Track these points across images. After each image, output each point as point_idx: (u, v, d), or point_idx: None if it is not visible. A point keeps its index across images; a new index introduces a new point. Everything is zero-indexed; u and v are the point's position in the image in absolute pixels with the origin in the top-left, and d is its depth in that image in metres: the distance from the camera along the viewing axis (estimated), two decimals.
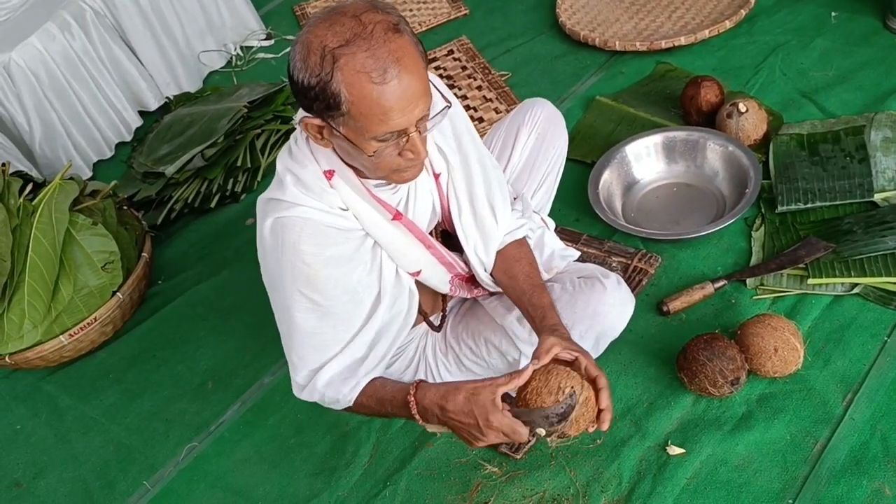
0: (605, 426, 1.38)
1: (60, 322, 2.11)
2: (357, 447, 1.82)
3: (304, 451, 1.86)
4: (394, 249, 1.46)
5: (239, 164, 2.67)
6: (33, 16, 2.95)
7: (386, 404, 1.45)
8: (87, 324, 2.15)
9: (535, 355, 1.39)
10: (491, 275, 1.62)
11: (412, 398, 1.40)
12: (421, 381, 1.43)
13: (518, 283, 1.58)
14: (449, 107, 1.31)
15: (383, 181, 1.39)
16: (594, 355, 1.67)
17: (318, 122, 1.24)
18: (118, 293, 2.20)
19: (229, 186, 2.64)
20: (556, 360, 1.39)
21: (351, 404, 1.48)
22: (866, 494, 1.48)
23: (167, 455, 1.96)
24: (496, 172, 1.59)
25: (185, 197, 2.63)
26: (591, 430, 1.39)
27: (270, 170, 2.72)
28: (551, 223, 1.92)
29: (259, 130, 2.73)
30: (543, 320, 1.48)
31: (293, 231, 1.33)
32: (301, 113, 1.30)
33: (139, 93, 3.16)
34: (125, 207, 2.41)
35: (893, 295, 1.78)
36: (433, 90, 1.27)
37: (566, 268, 1.76)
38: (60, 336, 2.11)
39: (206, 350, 2.20)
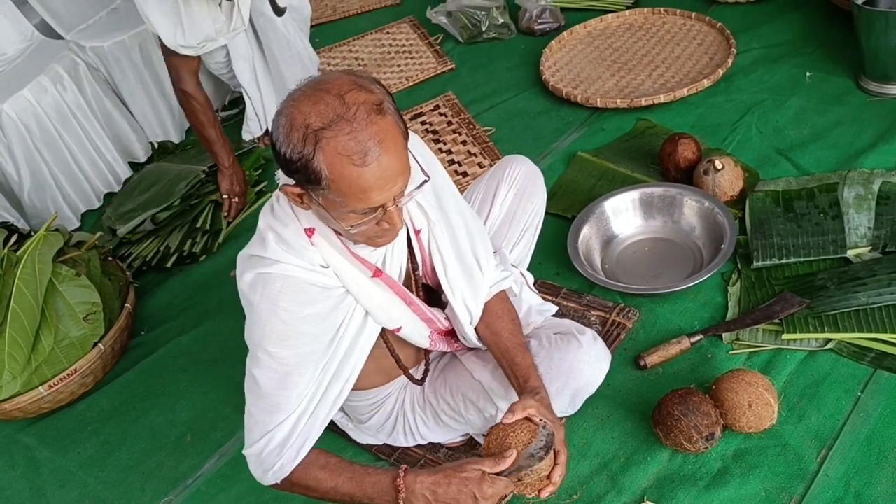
0: (544, 494, 1.38)
1: (40, 373, 2.11)
2: None
3: None
4: (374, 306, 1.47)
5: (199, 225, 2.69)
6: (27, 69, 3.01)
7: (366, 486, 1.40)
8: (67, 375, 2.14)
9: (511, 409, 1.40)
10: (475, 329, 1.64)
11: (401, 482, 1.38)
12: (407, 467, 1.41)
13: (502, 339, 1.59)
14: (427, 181, 1.34)
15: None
16: (571, 412, 1.69)
17: (297, 190, 1.27)
18: (99, 344, 2.20)
19: (186, 247, 2.65)
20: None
21: (291, 473, 1.41)
22: None
23: None
24: (477, 224, 1.62)
25: (144, 255, 2.66)
26: (533, 494, 1.39)
27: (233, 233, 2.76)
28: (530, 277, 1.95)
29: (218, 198, 2.76)
30: (527, 382, 1.50)
31: (273, 287, 1.35)
32: (283, 177, 1.32)
33: (129, 144, 3.20)
34: (110, 258, 2.43)
35: (867, 351, 1.80)
36: (413, 163, 1.30)
37: (543, 323, 1.78)
38: (40, 387, 2.11)
39: (186, 402, 2.19)
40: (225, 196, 2.76)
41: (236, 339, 2.30)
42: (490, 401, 1.65)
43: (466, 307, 1.59)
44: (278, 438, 1.40)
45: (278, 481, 1.44)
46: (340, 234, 1.38)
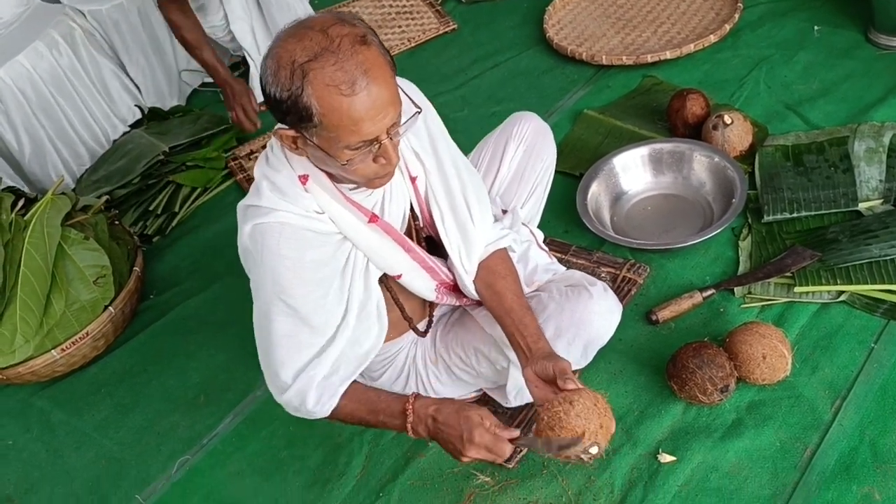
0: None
1: (52, 337, 2.11)
2: (349, 458, 1.83)
3: (296, 464, 1.86)
4: (372, 252, 1.48)
5: (151, 208, 2.66)
6: (22, 35, 2.96)
7: (379, 413, 1.46)
8: (79, 338, 2.14)
9: (544, 379, 1.41)
10: (475, 287, 1.64)
11: (410, 406, 1.42)
12: (417, 394, 1.45)
13: (506, 300, 1.57)
14: (419, 112, 1.34)
15: (358, 185, 1.42)
16: (583, 364, 1.70)
17: (291, 132, 1.27)
18: (110, 307, 2.20)
19: (138, 229, 2.62)
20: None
21: (329, 412, 1.48)
22: (856, 499, 1.50)
23: (159, 469, 1.96)
24: (472, 176, 1.62)
25: None
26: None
27: (189, 217, 2.72)
28: (539, 235, 1.94)
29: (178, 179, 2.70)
30: (537, 343, 1.49)
31: (272, 236, 1.36)
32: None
33: (125, 108, 3.17)
34: (117, 223, 2.41)
35: (879, 302, 1.81)
36: (403, 97, 1.30)
37: (553, 277, 1.78)
38: (52, 351, 2.11)
39: (197, 364, 2.20)
40: (232, 115, 2.69)
41: (246, 302, 2.29)
42: (502, 353, 1.65)
43: (461, 260, 1.60)
44: (314, 375, 1.43)
45: (315, 416, 1.49)
46: (335, 180, 1.39)
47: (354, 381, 1.50)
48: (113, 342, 2.30)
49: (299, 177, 1.37)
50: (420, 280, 1.58)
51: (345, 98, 1.19)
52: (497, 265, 1.64)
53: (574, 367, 1.64)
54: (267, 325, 1.43)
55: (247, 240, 1.39)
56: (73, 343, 2.14)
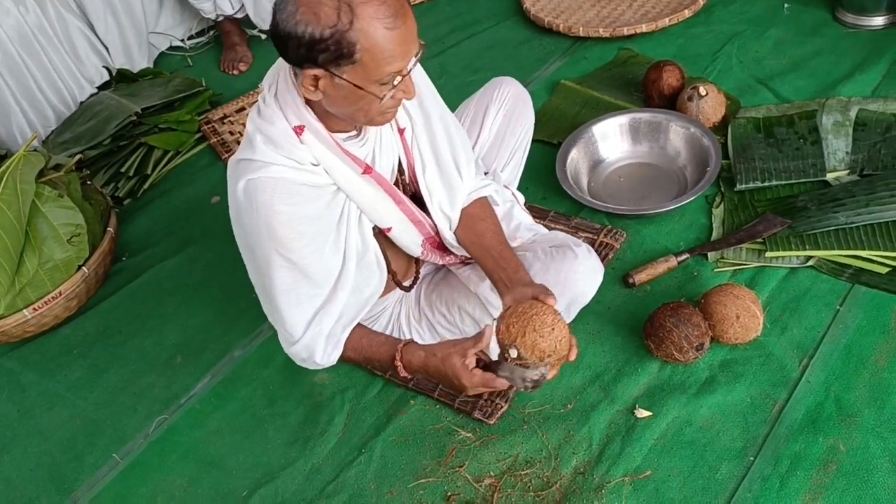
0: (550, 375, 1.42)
1: (24, 296, 2.07)
2: (331, 416, 1.84)
3: (277, 421, 1.87)
4: (365, 204, 1.49)
5: (123, 170, 2.62)
6: None
7: (374, 362, 1.52)
8: (52, 298, 2.11)
9: (516, 299, 1.45)
10: (455, 235, 1.66)
11: (399, 363, 1.48)
12: (406, 343, 1.48)
13: (485, 239, 1.63)
14: (424, 45, 1.36)
15: (352, 134, 1.43)
16: (567, 321, 1.73)
17: (316, 72, 1.27)
18: (84, 267, 2.17)
19: (109, 190, 2.58)
20: None
21: (334, 362, 1.52)
22: (822, 451, 1.56)
23: (136, 428, 1.94)
24: (459, 132, 1.64)
25: None
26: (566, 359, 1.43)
27: (161, 180, 2.69)
28: (521, 197, 1.97)
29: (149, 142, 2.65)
30: (517, 273, 1.54)
31: (266, 192, 1.36)
32: (273, 74, 1.37)
33: (92, 68, 3.10)
34: (89, 182, 2.37)
35: (844, 267, 1.88)
36: None
37: (537, 238, 1.81)
38: (24, 310, 2.07)
39: (173, 325, 2.18)
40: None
41: (222, 264, 2.32)
42: (486, 312, 1.69)
43: (442, 211, 1.62)
44: (323, 326, 1.47)
45: (322, 366, 1.53)
46: (331, 129, 1.40)
47: (354, 332, 1.54)
48: (85, 303, 2.27)
49: (294, 128, 1.37)
50: (408, 234, 1.60)
51: (388, 31, 1.22)
52: (477, 210, 1.68)
53: None
54: (267, 281, 1.44)
55: (240, 195, 1.38)
56: (45, 303, 2.11)
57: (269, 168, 1.36)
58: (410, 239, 1.62)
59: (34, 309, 2.10)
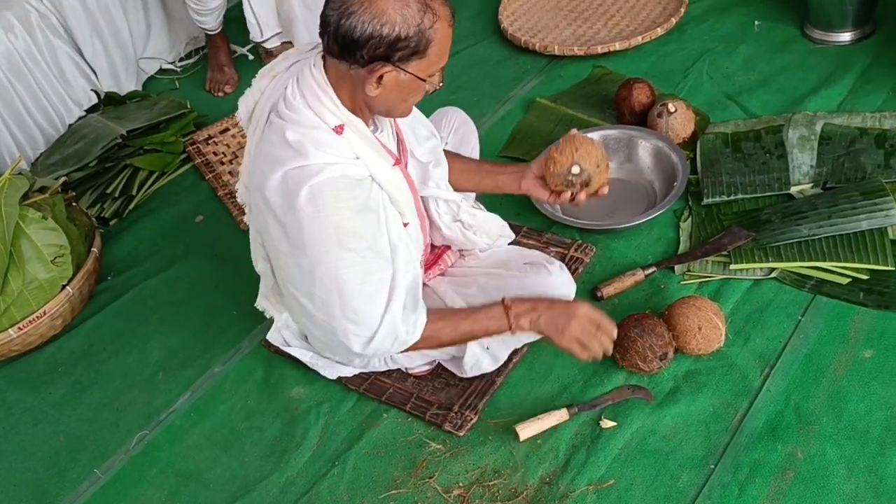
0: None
1: (9, 315, 2.12)
2: (306, 430, 1.88)
3: (254, 435, 1.91)
4: (395, 194, 1.59)
5: (109, 191, 2.67)
6: None
7: (482, 319, 1.62)
8: (37, 317, 2.16)
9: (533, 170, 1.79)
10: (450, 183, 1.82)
11: (504, 306, 1.62)
12: (507, 298, 1.63)
13: (472, 163, 1.92)
14: None
15: (373, 129, 1.57)
16: (537, 336, 1.78)
17: (386, 69, 1.40)
18: (68, 287, 2.22)
19: (95, 211, 2.63)
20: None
21: (420, 334, 1.59)
22: (781, 458, 1.61)
23: (118, 443, 1.99)
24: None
25: None
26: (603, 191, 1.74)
27: (147, 200, 2.74)
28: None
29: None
30: (513, 166, 1.87)
31: (330, 192, 1.46)
32: (274, 91, 1.52)
33: (80, 92, 3.17)
34: (74, 204, 2.43)
35: (807, 278, 1.93)
36: None
37: (513, 255, 1.87)
38: (9, 329, 2.12)
39: (156, 342, 2.23)
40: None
41: (204, 282, 2.38)
42: None
43: (438, 187, 1.75)
44: (395, 309, 1.54)
45: (410, 343, 1.60)
46: (369, 125, 1.55)
47: (440, 309, 1.67)
48: (70, 322, 2.32)
49: (334, 129, 1.48)
50: (417, 235, 1.68)
51: (449, 29, 1.43)
52: (453, 157, 1.87)
53: (531, 339, 1.79)
54: (337, 285, 1.50)
55: (303, 203, 1.45)
56: (30, 322, 2.16)
57: (327, 169, 1.46)
58: (418, 240, 1.70)
59: (19, 328, 2.15)
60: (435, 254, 1.89)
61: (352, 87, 1.47)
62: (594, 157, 1.68)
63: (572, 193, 1.72)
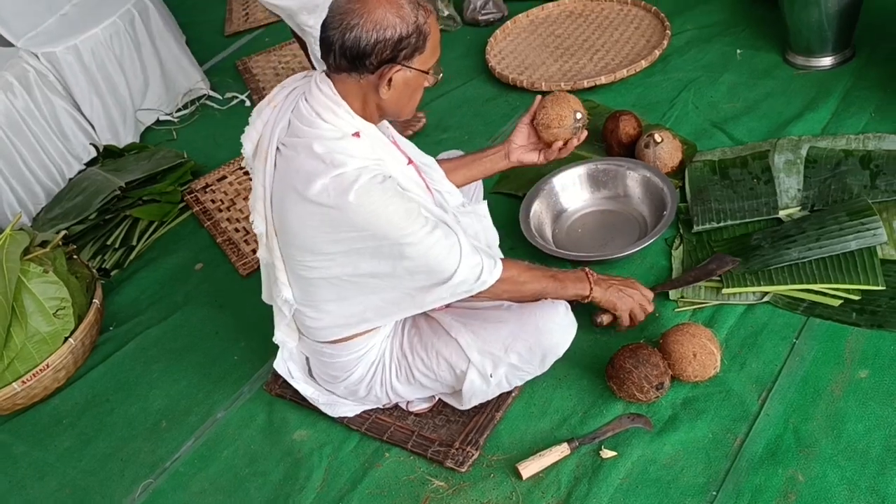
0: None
1: (13, 369, 2.15)
2: (310, 472, 1.89)
3: (258, 480, 1.92)
4: (415, 189, 1.66)
5: (109, 242, 2.72)
6: None
7: (564, 279, 1.80)
8: (40, 370, 2.19)
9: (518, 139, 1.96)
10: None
11: (586, 272, 1.83)
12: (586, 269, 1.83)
13: (460, 159, 2.02)
14: None
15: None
16: (540, 371, 1.83)
17: (394, 69, 1.51)
18: (70, 339, 2.25)
19: (96, 263, 2.67)
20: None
21: (501, 271, 1.68)
22: (782, 482, 1.61)
23: (123, 493, 2.00)
24: None
25: None
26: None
27: (147, 250, 2.78)
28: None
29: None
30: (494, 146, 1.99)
31: (376, 186, 1.53)
32: (279, 114, 1.62)
33: (80, 146, 3.23)
34: (75, 257, 2.47)
35: (799, 301, 1.95)
36: None
37: None
38: (13, 383, 2.15)
39: (159, 391, 2.25)
40: None
41: (205, 329, 2.40)
42: (463, 356, 1.75)
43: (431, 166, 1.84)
44: (468, 249, 1.63)
45: (496, 278, 1.67)
46: (382, 127, 1.67)
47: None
48: (73, 374, 2.34)
49: (352, 135, 1.57)
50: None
51: (437, 23, 1.56)
52: (439, 163, 1.92)
53: (531, 376, 1.82)
54: (411, 249, 1.57)
55: (354, 205, 1.51)
56: (33, 375, 2.18)
57: (364, 171, 1.53)
58: None
59: (23, 382, 2.17)
60: None
61: (362, 96, 1.57)
62: (580, 104, 1.90)
63: (565, 142, 1.89)
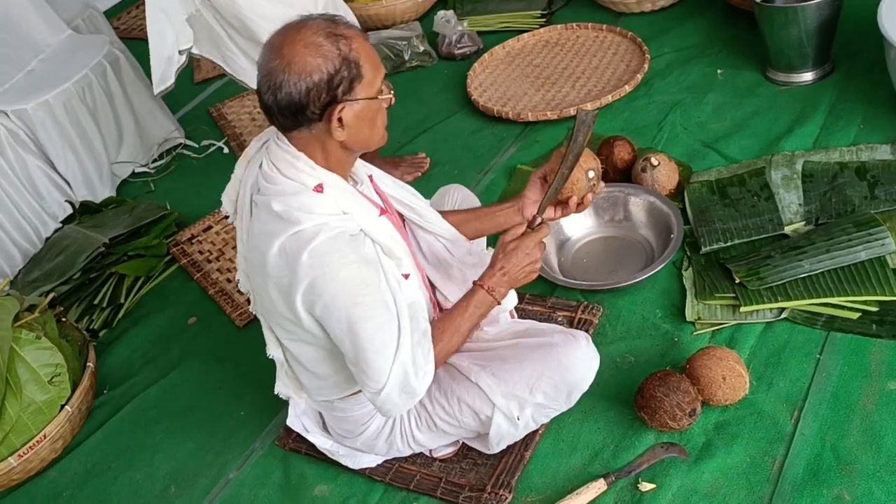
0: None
1: (8, 443, 2.03)
2: None
3: None
4: (387, 245, 1.57)
5: (96, 302, 2.62)
6: None
7: (470, 318, 1.63)
8: (37, 441, 2.07)
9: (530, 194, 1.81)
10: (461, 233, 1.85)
11: (485, 286, 1.63)
12: (479, 283, 1.64)
13: (468, 213, 1.92)
14: None
15: (353, 184, 1.58)
16: (566, 407, 1.78)
17: (338, 108, 1.42)
18: (67, 406, 2.14)
19: (84, 324, 2.57)
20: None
21: (436, 366, 1.57)
22: (829, 502, 1.58)
23: None
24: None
25: None
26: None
27: (135, 307, 2.69)
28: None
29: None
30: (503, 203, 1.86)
31: (332, 250, 1.44)
32: (249, 176, 1.51)
33: (55, 204, 3.13)
34: (64, 319, 2.36)
35: (817, 316, 1.94)
36: None
37: (535, 325, 1.87)
38: (9, 458, 2.03)
39: (163, 454, 2.15)
40: None
41: (205, 386, 2.31)
42: (487, 401, 1.70)
43: (426, 211, 1.77)
44: (403, 361, 1.50)
45: (420, 394, 1.56)
46: (349, 178, 1.57)
47: (437, 324, 1.63)
48: (70, 443, 2.23)
49: (313, 190, 1.48)
50: (420, 290, 1.66)
51: (366, 41, 1.45)
52: (447, 213, 1.87)
53: (557, 413, 1.77)
54: (351, 338, 1.48)
55: (306, 266, 1.43)
56: (30, 448, 2.07)
57: (322, 230, 1.45)
58: (422, 293, 1.68)
59: (19, 456, 2.06)
60: None
61: (320, 146, 1.49)
62: (596, 158, 1.78)
63: (581, 199, 1.76)
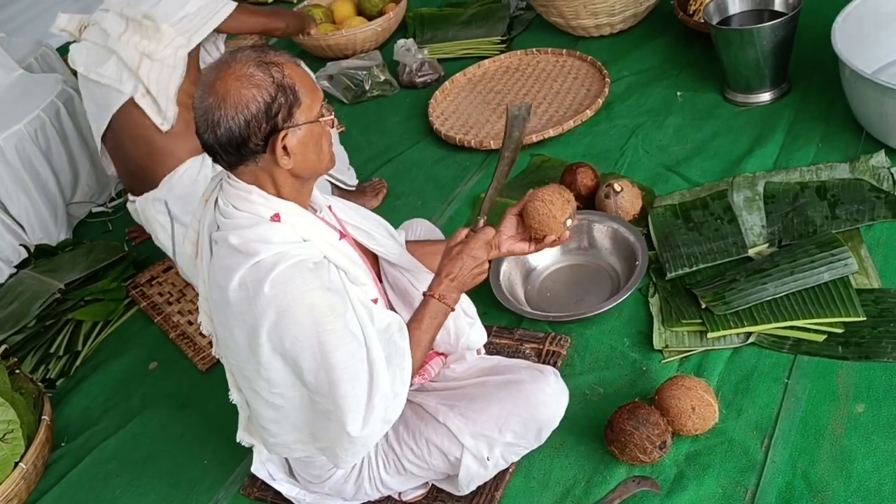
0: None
1: None
2: None
3: None
4: (349, 270, 1.55)
5: (52, 350, 2.54)
6: None
7: (427, 330, 1.61)
8: None
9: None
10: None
11: (436, 294, 1.61)
12: (428, 292, 1.62)
13: (434, 245, 1.91)
14: None
15: (312, 210, 1.55)
16: (536, 445, 1.75)
17: (281, 136, 1.39)
18: (21, 464, 2.06)
19: (40, 373, 2.49)
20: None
21: (405, 397, 1.56)
22: None
23: None
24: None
25: None
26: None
27: (94, 353, 2.62)
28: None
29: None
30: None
31: (295, 278, 1.41)
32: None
33: (8, 249, 3.05)
34: (17, 371, 2.28)
35: (784, 339, 1.93)
36: None
37: (501, 362, 1.83)
38: None
39: None
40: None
41: (168, 433, 2.25)
42: (455, 442, 1.66)
43: (387, 239, 1.74)
44: (382, 389, 1.49)
45: (397, 416, 1.55)
46: (303, 204, 1.52)
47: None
48: (26, 500, 2.14)
49: (270, 220, 1.44)
50: (384, 313, 1.60)
51: (298, 67, 1.44)
52: (416, 244, 1.88)
53: (527, 451, 1.74)
54: (328, 364, 1.43)
55: (269, 298, 1.39)
56: None
57: (282, 258, 1.41)
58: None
59: None
60: None
61: (270, 178, 1.45)
62: (572, 201, 1.73)
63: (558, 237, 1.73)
